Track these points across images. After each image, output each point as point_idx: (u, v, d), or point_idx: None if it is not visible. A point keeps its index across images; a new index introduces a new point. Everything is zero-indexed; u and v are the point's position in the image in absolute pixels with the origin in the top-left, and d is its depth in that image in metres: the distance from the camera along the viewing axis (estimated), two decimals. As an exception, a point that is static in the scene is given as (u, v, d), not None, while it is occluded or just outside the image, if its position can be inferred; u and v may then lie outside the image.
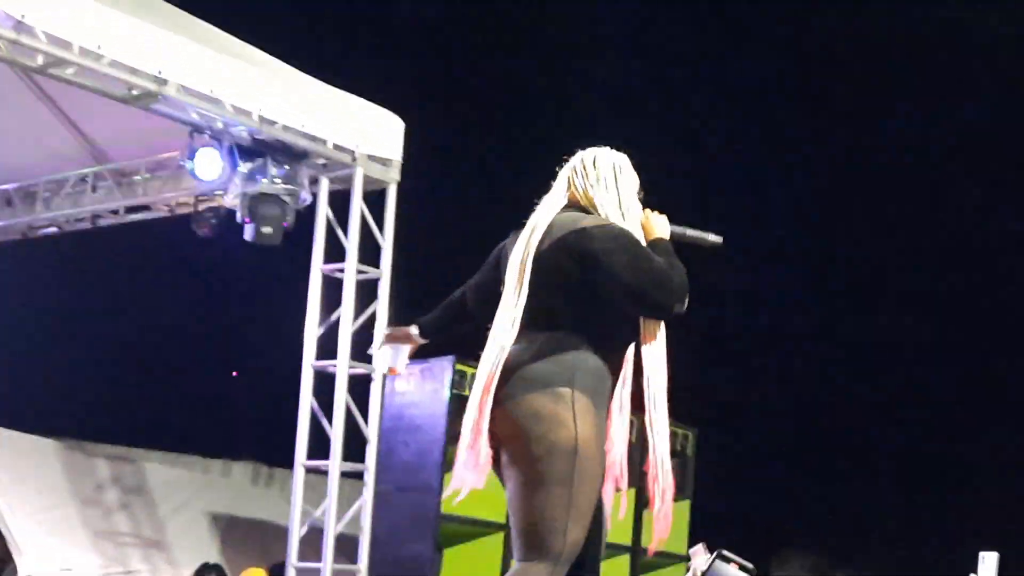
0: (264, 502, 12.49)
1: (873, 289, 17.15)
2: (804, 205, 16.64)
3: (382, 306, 9.63)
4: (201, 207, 10.06)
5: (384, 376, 4.85)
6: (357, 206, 9.62)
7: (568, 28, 16.38)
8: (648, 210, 4.40)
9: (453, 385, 9.53)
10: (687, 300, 4.17)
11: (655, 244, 4.29)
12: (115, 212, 10.77)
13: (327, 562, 9.22)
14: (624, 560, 10.11)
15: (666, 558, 10.24)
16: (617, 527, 9.67)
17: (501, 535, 9.75)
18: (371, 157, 9.65)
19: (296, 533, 9.48)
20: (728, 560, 3.07)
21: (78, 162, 10.68)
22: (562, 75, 16.25)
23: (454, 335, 5.00)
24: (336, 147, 9.47)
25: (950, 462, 16.05)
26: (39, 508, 10.59)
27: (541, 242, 4.25)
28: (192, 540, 11.60)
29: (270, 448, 12.11)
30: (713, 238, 4.51)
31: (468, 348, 9.75)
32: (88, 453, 11.77)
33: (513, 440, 4.13)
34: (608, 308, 4.19)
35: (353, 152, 9.54)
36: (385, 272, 9.71)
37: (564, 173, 4.45)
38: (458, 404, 9.47)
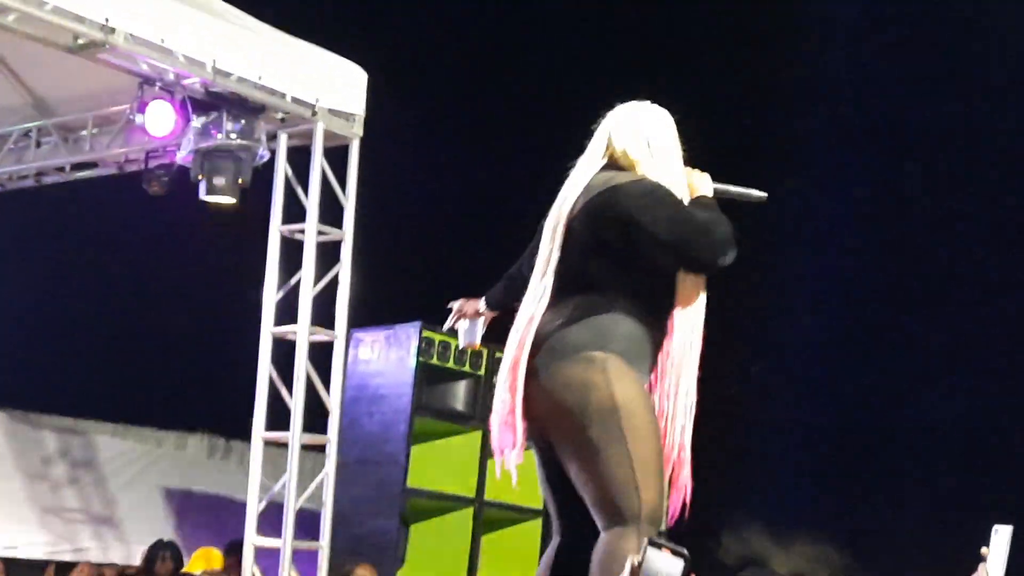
0: (220, 476, 12.54)
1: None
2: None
3: (344, 269, 9.55)
4: (152, 164, 9.88)
5: (466, 348, 4.98)
6: (318, 163, 9.49)
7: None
8: (690, 168, 4.41)
9: (420, 353, 9.53)
10: (733, 253, 4.18)
11: (702, 200, 4.29)
12: (60, 169, 10.65)
13: (287, 539, 9.14)
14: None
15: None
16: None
17: (471, 510, 9.87)
18: (333, 111, 9.52)
19: (254, 508, 9.38)
20: (660, 546, 3.06)
21: (20, 116, 10.51)
22: (541, 25, 16.16)
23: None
24: (295, 100, 9.32)
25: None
26: (-17, 483, 10.52)
27: (575, 205, 4.23)
28: (144, 516, 11.64)
29: (226, 419, 12.06)
30: (758, 194, 4.54)
31: (434, 314, 9.70)
32: (34, 424, 11.77)
33: (553, 414, 4.12)
34: (645, 268, 4.19)
35: (313, 106, 9.39)
36: (348, 233, 9.60)
37: (602, 131, 4.40)
38: (425, 372, 9.62)
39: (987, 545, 4.95)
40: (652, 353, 4.24)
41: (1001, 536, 4.85)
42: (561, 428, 4.13)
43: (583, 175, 4.32)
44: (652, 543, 3.07)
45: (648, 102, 4.46)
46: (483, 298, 4.85)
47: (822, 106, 16.29)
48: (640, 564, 3.02)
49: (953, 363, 16.32)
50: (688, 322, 4.29)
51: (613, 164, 4.33)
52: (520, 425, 4.14)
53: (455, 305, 4.92)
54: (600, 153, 4.36)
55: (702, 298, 4.33)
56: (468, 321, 4.85)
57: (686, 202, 4.27)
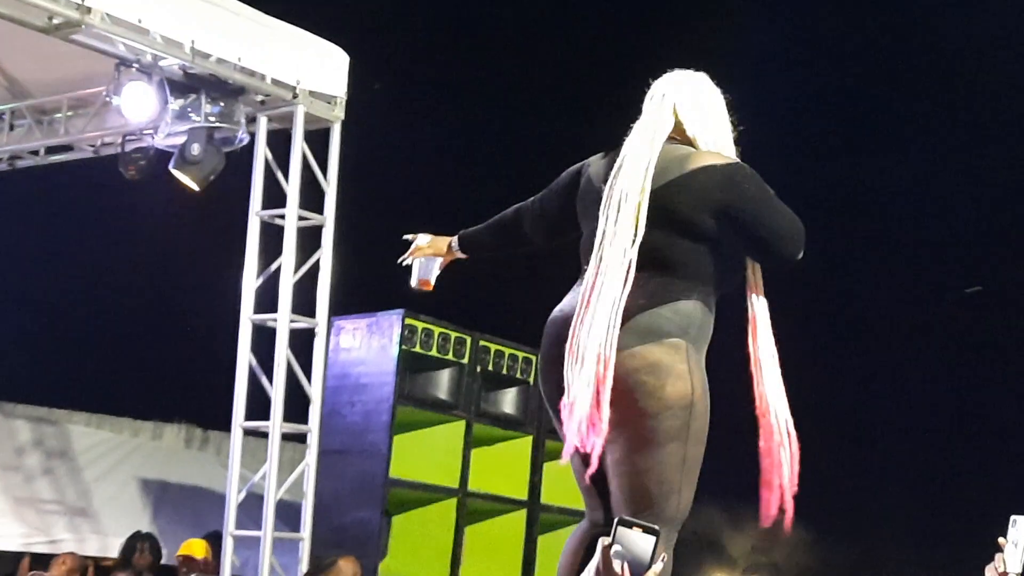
0: (199, 467, 12.54)
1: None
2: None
3: (325, 255, 9.54)
4: (129, 147, 9.84)
5: (417, 287, 4.67)
6: (298, 147, 9.47)
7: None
8: None
9: (402, 341, 9.50)
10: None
11: None
12: (35, 153, 10.66)
13: (267, 530, 9.13)
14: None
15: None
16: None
17: (454, 501, 9.84)
18: (314, 94, 9.51)
19: (234, 500, 9.37)
20: (630, 525, 3.07)
21: (-5, 98, 10.56)
22: (526, 10, 16.18)
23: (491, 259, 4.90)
24: (275, 83, 9.30)
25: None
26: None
27: (658, 179, 4.05)
28: (121, 508, 11.61)
29: (205, 409, 12.07)
30: None
31: (418, 301, 9.69)
32: (7, 414, 11.73)
33: (623, 395, 3.93)
34: (727, 255, 4.11)
35: (294, 88, 9.38)
36: (329, 218, 9.59)
37: (663, 100, 4.24)
38: (408, 361, 9.62)
39: (1004, 536, 4.97)
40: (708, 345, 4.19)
41: (1020, 527, 4.86)
42: (628, 412, 3.97)
43: (654, 143, 4.14)
44: (622, 522, 3.06)
45: (703, 75, 4.33)
46: (456, 236, 4.68)
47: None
48: (611, 544, 2.99)
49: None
50: (765, 313, 4.24)
51: (682, 137, 4.21)
52: (606, 412, 3.91)
53: (417, 239, 4.74)
54: (667, 124, 4.19)
55: (762, 296, 4.27)
56: (425, 258, 4.67)
57: None
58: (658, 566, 3.03)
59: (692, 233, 4.04)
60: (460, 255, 4.68)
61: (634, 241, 4.00)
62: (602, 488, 4.16)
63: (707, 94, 4.27)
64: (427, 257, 4.65)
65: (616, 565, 2.98)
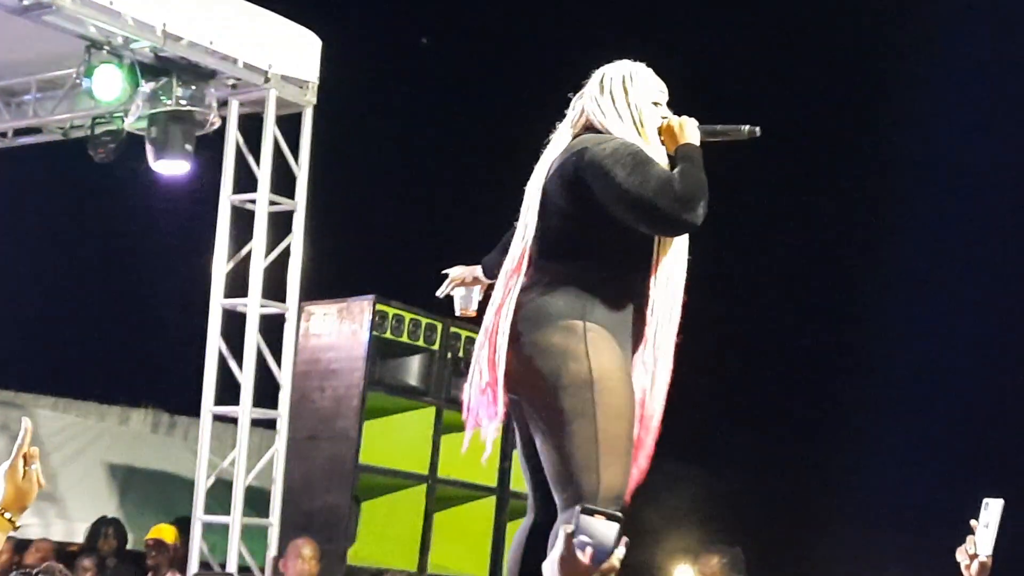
0: (166, 452, 12.49)
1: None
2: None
3: (296, 240, 9.60)
4: (99, 130, 9.84)
5: (461, 314, 4.83)
6: (270, 131, 9.52)
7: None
8: (672, 116, 4.27)
9: (373, 327, 9.44)
10: (701, 210, 4.02)
11: (682, 150, 4.15)
12: (3, 135, 10.63)
13: (236, 516, 9.20)
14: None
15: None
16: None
17: (424, 487, 9.78)
18: (285, 78, 9.56)
19: (202, 485, 9.43)
20: (592, 512, 3.09)
21: (-39, 80, 10.51)
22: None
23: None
24: (247, 66, 9.35)
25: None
26: (-81, 457, 10.44)
27: (550, 169, 4.17)
28: (87, 492, 11.59)
29: (173, 394, 12.09)
30: (748, 128, 4.35)
31: (388, 286, 9.78)
32: None
33: (527, 382, 4.07)
34: (618, 231, 4.07)
35: (266, 72, 9.42)
36: (300, 203, 9.65)
37: (577, 98, 4.33)
38: (378, 347, 9.55)
39: (976, 519, 5.08)
40: (635, 323, 4.16)
41: (991, 510, 4.96)
42: (533, 397, 4.08)
43: (558, 142, 4.26)
44: (584, 510, 3.11)
45: (625, 60, 4.35)
46: (479, 265, 4.75)
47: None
48: (573, 533, 3.04)
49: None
50: (667, 290, 4.17)
51: (589, 129, 4.24)
52: (501, 395, 4.09)
53: (452, 272, 4.84)
54: (574, 120, 4.29)
55: (681, 264, 4.22)
56: (464, 288, 4.79)
57: (663, 155, 4.16)
58: (621, 551, 3.08)
59: (576, 214, 4.11)
60: (488, 280, 4.71)
61: (524, 235, 4.15)
62: (536, 485, 4.26)
63: (616, 78, 4.27)
64: (467, 288, 4.76)
65: (580, 553, 3.02)
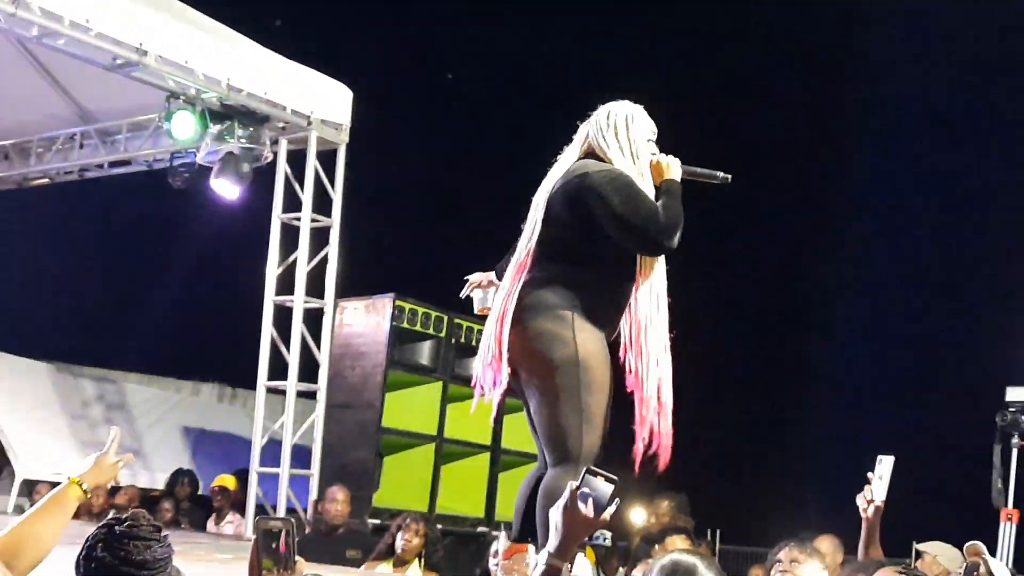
0: (229, 418, 12.40)
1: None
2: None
3: (332, 250, 9.61)
4: (176, 163, 9.90)
5: (480, 312, 4.64)
6: (311, 164, 9.54)
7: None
8: (660, 154, 4.18)
9: (393, 318, 9.42)
10: (677, 238, 3.97)
11: (665, 184, 4.10)
12: (100, 166, 10.62)
13: (284, 468, 9.24)
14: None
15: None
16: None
17: (433, 445, 9.73)
18: (324, 122, 9.57)
19: (258, 444, 9.46)
20: (595, 474, 3.01)
21: (67, 122, 10.53)
22: (502, 59, 16.08)
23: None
24: (294, 112, 9.38)
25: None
26: (34, 421, 10.51)
27: (555, 186, 4.10)
28: (166, 449, 11.55)
29: (234, 371, 12.03)
30: (722, 175, 4.27)
31: (405, 287, 9.80)
32: (75, 374, 11.63)
33: (525, 359, 4.00)
34: (609, 244, 4.00)
35: (308, 117, 9.45)
36: (335, 221, 9.65)
37: (584, 127, 4.23)
38: (397, 334, 9.48)
39: (872, 471, 5.13)
40: (612, 316, 4.06)
41: (884, 465, 5.01)
42: (530, 372, 4.01)
43: (564, 162, 4.16)
44: (589, 471, 3.10)
45: (626, 101, 4.23)
46: (493, 271, 4.62)
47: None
48: (579, 487, 2.97)
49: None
50: (650, 295, 4.07)
51: (591, 154, 4.14)
52: (505, 368, 4.01)
53: (471, 277, 4.71)
54: (579, 145, 4.18)
55: (661, 275, 4.11)
56: (481, 290, 4.67)
57: (651, 186, 4.07)
58: (612, 507, 3.04)
59: (574, 225, 4.02)
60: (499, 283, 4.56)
61: (531, 238, 4.09)
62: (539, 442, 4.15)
63: (620, 115, 4.17)
64: (483, 289, 4.63)
65: (582, 504, 2.98)
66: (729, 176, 4.26)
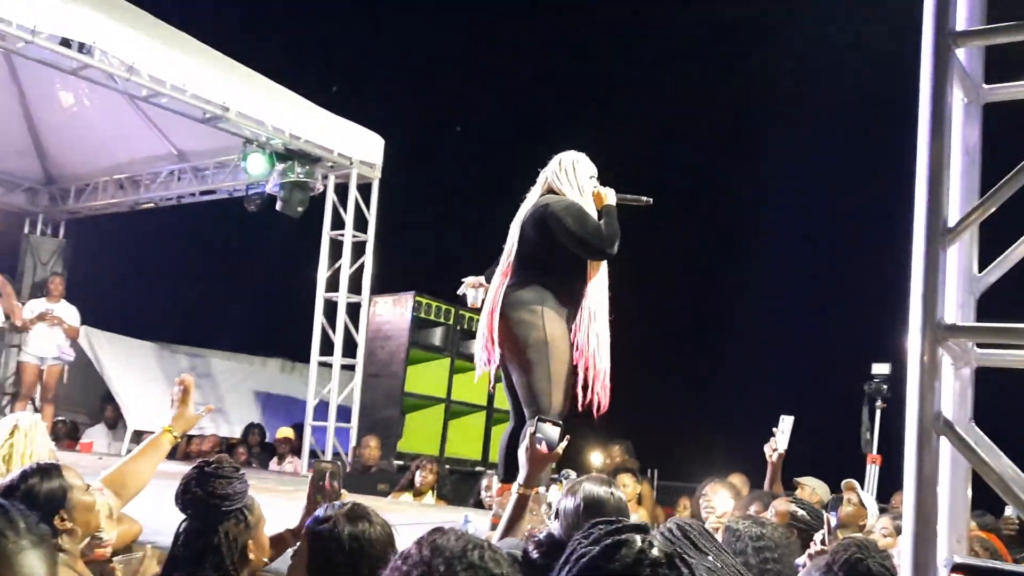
0: (289, 384, 12.32)
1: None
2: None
3: (368, 258, 9.58)
4: (250, 192, 9.91)
5: (472, 305, 4.58)
6: (352, 193, 9.54)
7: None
8: (600, 187, 4.26)
9: (414, 310, 9.45)
10: (616, 246, 4.05)
11: (605, 209, 4.17)
12: (193, 194, 10.61)
13: (331, 422, 9.24)
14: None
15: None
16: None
17: (443, 406, 9.74)
18: (362, 162, 9.55)
19: (311, 403, 9.44)
20: (545, 421, 3.10)
21: (168, 160, 10.50)
22: (496, 118, 16.03)
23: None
24: (339, 155, 9.37)
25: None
26: (142, 386, 10.48)
27: (525, 215, 4.18)
28: (241, 407, 11.50)
29: (294, 349, 11.91)
30: (645, 199, 4.29)
31: (423, 286, 9.76)
32: (173, 351, 11.58)
33: (508, 342, 4.08)
34: (566, 254, 4.08)
35: (351, 159, 9.44)
36: (370, 236, 9.62)
37: (545, 171, 4.31)
38: (416, 322, 9.48)
39: (776, 426, 5.11)
40: (571, 306, 4.10)
41: (786, 422, 5.01)
42: (512, 351, 4.06)
43: (531, 199, 4.25)
44: (540, 419, 3.13)
45: (573, 151, 4.32)
46: (483, 276, 4.65)
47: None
48: (534, 432, 3.06)
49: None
50: (597, 291, 4.13)
51: (550, 191, 4.24)
52: (496, 349, 4.11)
53: (466, 280, 4.64)
54: (541, 184, 4.28)
55: (604, 277, 4.16)
56: (473, 290, 4.66)
57: (594, 211, 4.16)
58: (563, 444, 3.10)
59: (541, 243, 4.09)
60: (487, 284, 4.59)
61: (509, 253, 4.16)
62: (514, 404, 4.23)
63: (568, 162, 4.25)
64: (475, 289, 4.61)
65: (538, 444, 3.03)
66: (651, 200, 4.30)
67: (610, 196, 4.20)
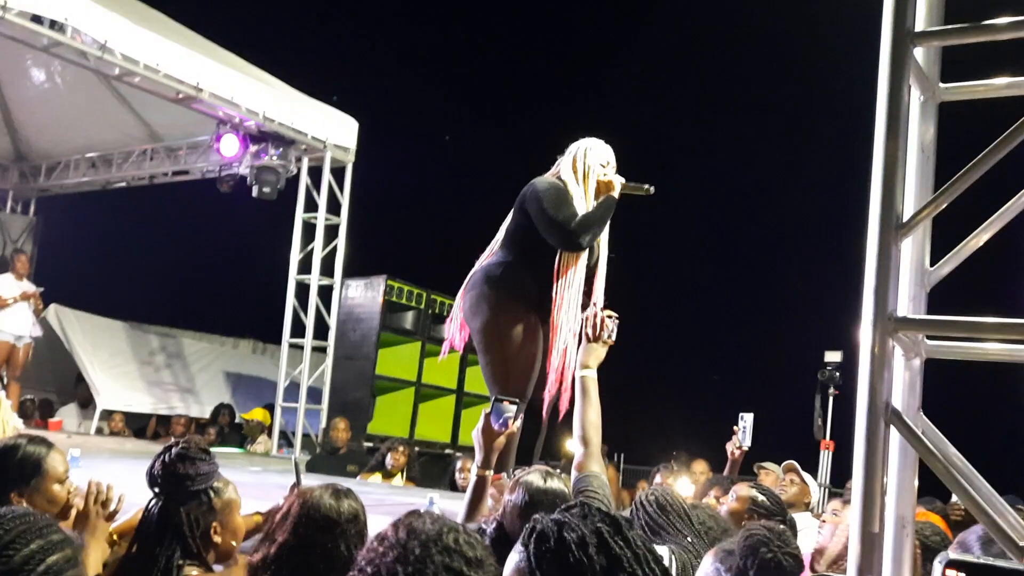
0: (261, 366, 12.30)
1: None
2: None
3: (340, 241, 9.56)
4: (223, 173, 9.80)
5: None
6: (326, 176, 9.51)
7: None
8: (612, 176, 4.02)
9: (385, 293, 9.40)
10: (587, 239, 3.87)
11: (602, 199, 3.97)
12: (165, 174, 10.55)
13: (301, 403, 9.24)
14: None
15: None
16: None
17: (413, 389, 9.72)
18: (336, 145, 9.53)
19: (281, 385, 9.46)
20: (501, 400, 3.06)
21: (141, 140, 10.44)
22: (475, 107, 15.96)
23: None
24: (313, 138, 9.34)
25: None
26: (112, 367, 10.41)
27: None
28: (212, 388, 11.45)
29: (266, 330, 11.92)
30: (646, 187, 4.09)
31: (395, 270, 9.75)
32: (144, 331, 11.50)
33: (468, 323, 4.02)
34: (539, 238, 3.90)
35: (324, 141, 9.41)
36: (343, 219, 9.61)
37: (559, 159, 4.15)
38: (388, 305, 9.44)
39: (736, 424, 5.18)
40: (536, 292, 3.89)
41: (746, 419, 5.07)
42: (472, 332, 4.00)
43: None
44: (496, 399, 3.13)
45: (593, 137, 4.09)
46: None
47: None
48: (490, 411, 3.03)
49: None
50: (567, 281, 3.91)
51: (556, 175, 4.03)
52: (461, 329, 4.05)
53: None
54: (552, 169, 4.08)
55: (581, 267, 3.93)
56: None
57: (592, 200, 3.95)
58: (519, 423, 3.10)
59: (518, 222, 3.96)
60: None
61: (498, 234, 4.07)
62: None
63: (581, 147, 4.04)
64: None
65: (492, 422, 3.01)
66: (652, 188, 4.12)
67: (616, 185, 4.01)
